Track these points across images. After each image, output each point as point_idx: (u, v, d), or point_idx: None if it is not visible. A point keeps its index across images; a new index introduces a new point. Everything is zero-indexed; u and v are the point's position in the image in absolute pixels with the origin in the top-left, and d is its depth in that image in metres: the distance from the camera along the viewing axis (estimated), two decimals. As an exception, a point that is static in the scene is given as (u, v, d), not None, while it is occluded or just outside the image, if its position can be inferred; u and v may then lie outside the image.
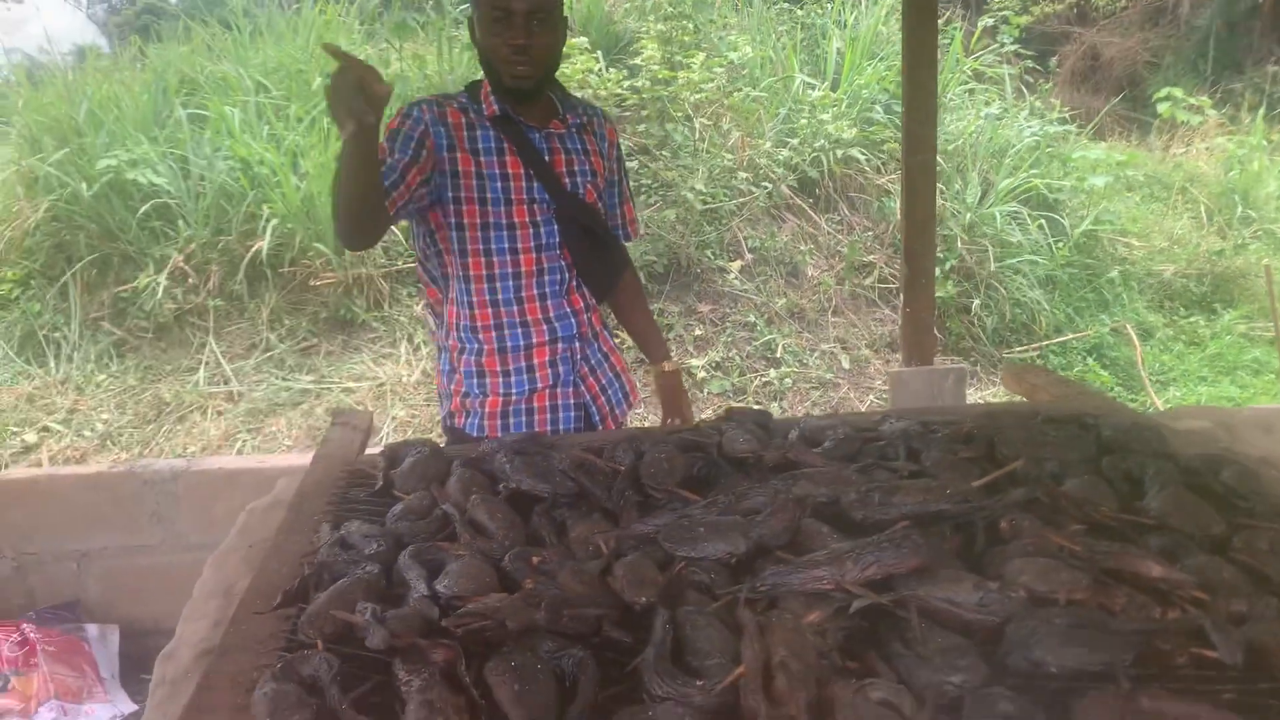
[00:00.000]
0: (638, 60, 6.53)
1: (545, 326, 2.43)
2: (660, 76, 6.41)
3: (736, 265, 6.47)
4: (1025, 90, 8.51)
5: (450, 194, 2.32)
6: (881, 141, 7.00)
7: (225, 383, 5.95)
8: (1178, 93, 9.51)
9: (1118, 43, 13.42)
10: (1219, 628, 1.16)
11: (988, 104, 7.61)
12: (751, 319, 6.32)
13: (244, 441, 5.63)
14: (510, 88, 2.30)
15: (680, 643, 1.24)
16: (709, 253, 6.44)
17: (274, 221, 6.13)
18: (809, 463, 1.75)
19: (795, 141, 6.80)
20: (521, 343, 2.42)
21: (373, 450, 2.01)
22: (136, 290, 6.13)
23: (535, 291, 2.41)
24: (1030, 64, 9.20)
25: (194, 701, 1.10)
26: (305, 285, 6.27)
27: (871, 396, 6.02)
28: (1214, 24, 13.22)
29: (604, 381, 2.55)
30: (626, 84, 6.40)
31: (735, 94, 6.67)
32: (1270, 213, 8.43)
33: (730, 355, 6.15)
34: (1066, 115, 8.23)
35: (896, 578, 1.34)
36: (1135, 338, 6.57)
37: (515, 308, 2.40)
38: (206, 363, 6.04)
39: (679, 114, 6.53)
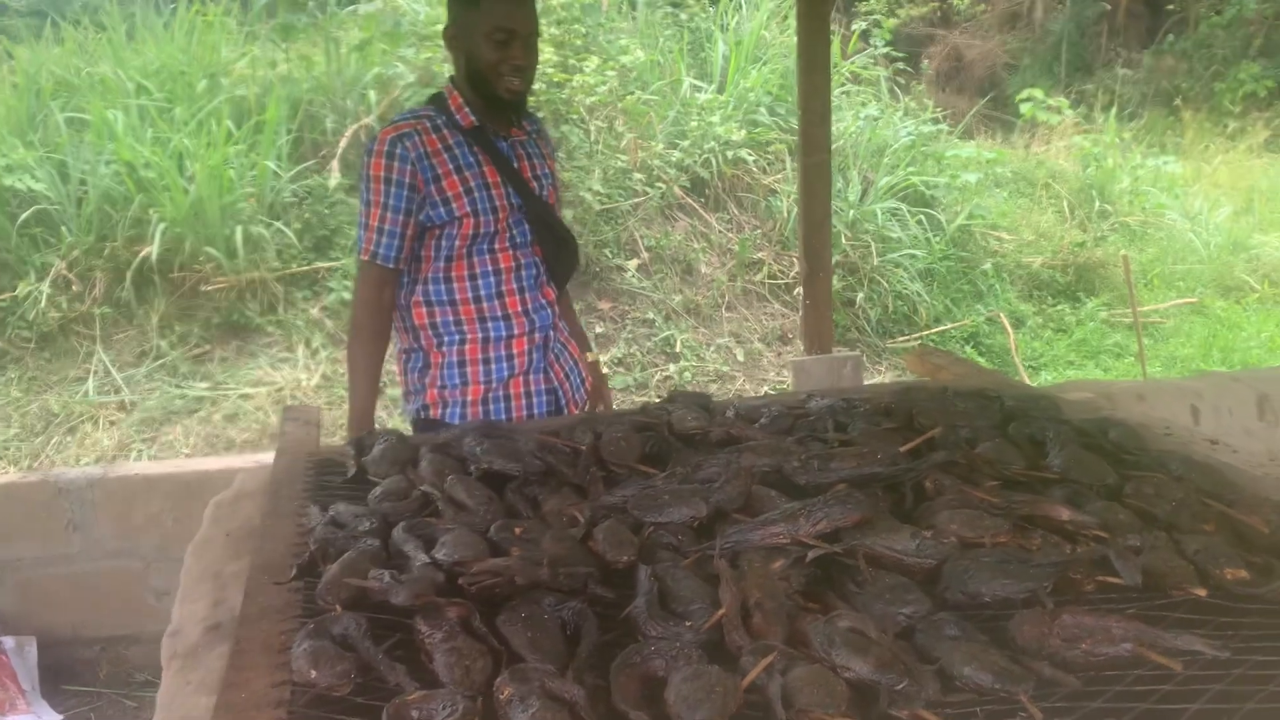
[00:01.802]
0: (533, 63, 6.64)
1: (525, 319, 2.60)
2: (555, 80, 6.54)
3: (634, 264, 6.65)
4: (899, 91, 8.93)
5: (445, 217, 2.49)
6: (767, 143, 7.28)
7: (116, 392, 5.82)
8: (1038, 93, 10.11)
9: (979, 45, 14.09)
10: (1121, 556, 1.37)
11: (865, 105, 7.98)
12: (650, 316, 6.51)
13: (139, 451, 5.53)
14: (507, 101, 2.48)
15: (663, 594, 1.39)
16: (607, 251, 6.60)
17: (162, 226, 6.03)
18: (751, 437, 1.92)
19: (686, 143, 7.02)
20: (504, 334, 2.58)
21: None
22: (17, 299, 5.94)
23: (514, 286, 2.58)
24: (902, 66, 9.65)
25: (234, 661, 1.20)
26: (196, 290, 6.18)
27: (765, 387, 6.28)
28: (1066, 28, 14.02)
29: (567, 368, 2.72)
30: (522, 87, 6.51)
31: (627, 97, 6.86)
32: (1124, 206, 9.05)
33: (631, 351, 6.32)
34: (938, 115, 8.67)
35: (843, 530, 1.51)
36: (1008, 326, 7.00)
37: (497, 302, 2.57)
38: (95, 372, 5.89)
39: (574, 116, 6.67)
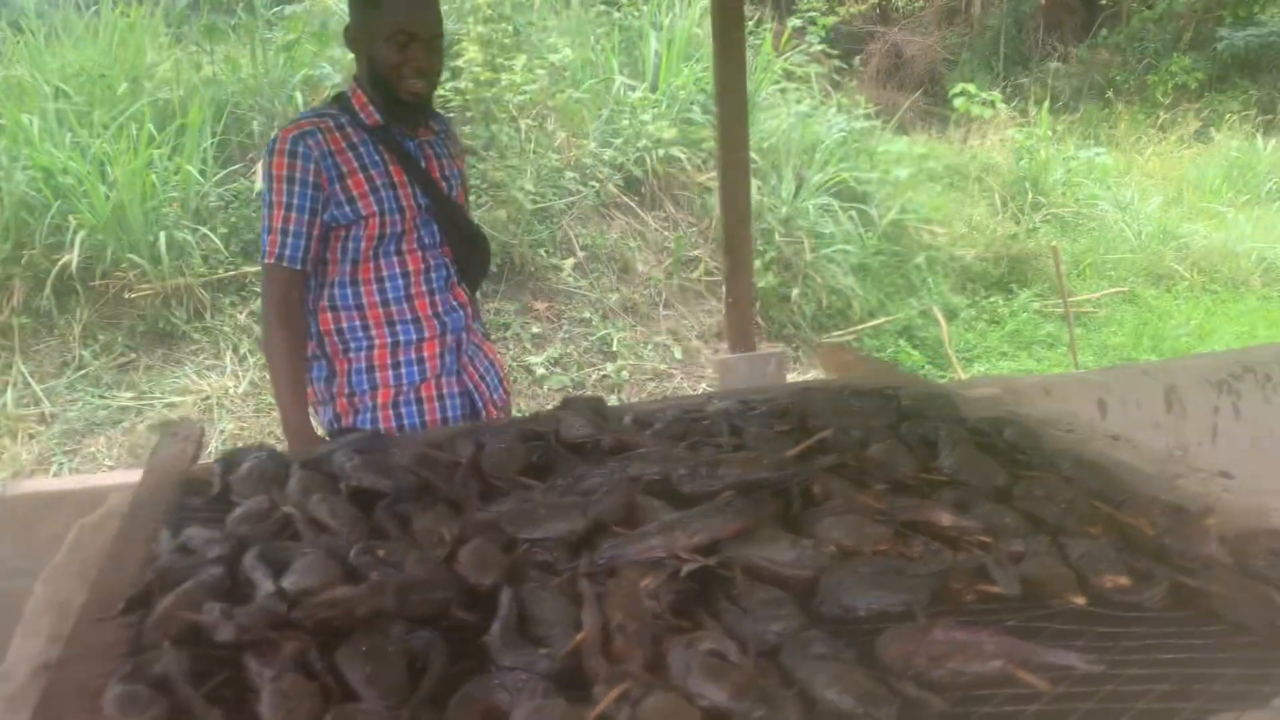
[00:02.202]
0: (460, 62, 6.54)
1: (436, 321, 2.53)
2: (483, 78, 6.44)
3: (569, 263, 6.57)
4: (833, 88, 8.92)
5: (351, 217, 2.41)
6: (700, 140, 7.23)
7: (36, 404, 5.64)
8: (971, 88, 10.17)
9: (918, 41, 14.20)
10: (999, 565, 1.32)
11: (799, 102, 7.96)
12: (587, 315, 6.43)
13: (61, 464, 5.36)
14: (408, 103, 2.42)
15: (525, 617, 1.31)
16: (542, 251, 6.51)
17: (83, 233, 5.85)
18: (642, 444, 1.85)
19: (619, 141, 6.95)
20: (414, 337, 2.51)
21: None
22: (-70, 310, 5.75)
23: (423, 288, 2.51)
24: (838, 63, 9.65)
25: (42, 708, 1.11)
26: (120, 298, 6.01)
27: (704, 384, 6.23)
28: (1004, 23, 14.16)
29: (482, 370, 2.66)
30: (450, 85, 6.40)
31: (558, 95, 6.77)
32: (1057, 198, 9.12)
33: (568, 351, 6.24)
34: (871, 111, 8.68)
35: (722, 542, 1.45)
36: (941, 319, 7.01)
37: (406, 305, 2.50)
38: (14, 384, 5.70)
39: (504, 115, 6.57)
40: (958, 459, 1.69)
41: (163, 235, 5.94)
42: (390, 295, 2.49)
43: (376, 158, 2.44)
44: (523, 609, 1.32)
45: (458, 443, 1.85)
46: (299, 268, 2.41)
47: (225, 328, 6.06)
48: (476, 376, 2.65)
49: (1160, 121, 11.92)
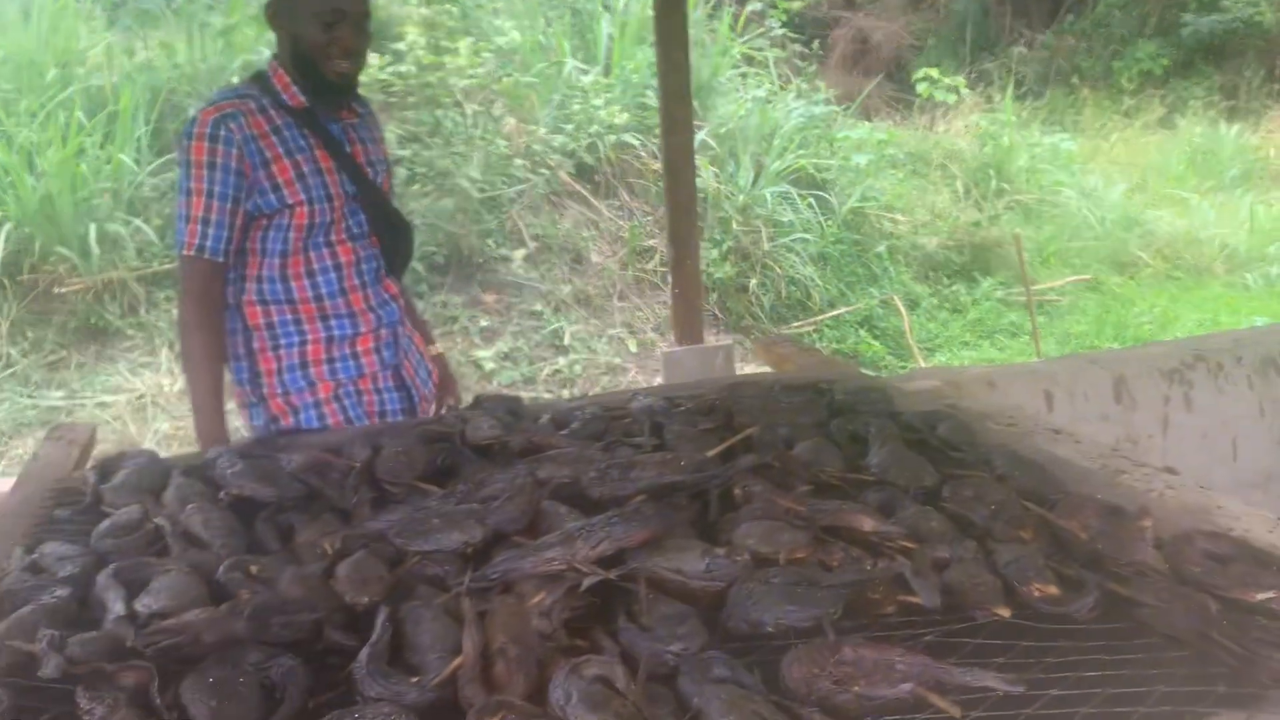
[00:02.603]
0: (401, 45, 6.36)
1: (371, 315, 2.41)
2: (426, 62, 6.27)
3: (520, 254, 6.43)
4: (794, 74, 8.82)
5: (276, 205, 2.27)
6: (654, 126, 7.09)
7: (-38, 404, 5.44)
8: (934, 73, 10.10)
9: (884, 26, 14.09)
10: (919, 574, 1.22)
11: (757, 87, 7.84)
12: (538, 307, 6.29)
13: (-12, 466, 5.17)
14: (334, 83, 2.29)
15: (401, 640, 1.19)
16: (490, 241, 6.37)
17: (8, 226, 5.64)
18: (554, 445, 1.73)
19: (571, 127, 6.80)
20: (349, 333, 2.39)
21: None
22: None
23: (356, 281, 2.39)
24: (800, 48, 9.55)
25: None
26: (49, 293, 5.81)
27: (659, 378, 6.11)
28: (970, 8, 14.10)
29: (414, 362, 2.55)
30: (390, 70, 6.22)
31: (506, 79, 6.61)
32: (1021, 184, 9.06)
33: (518, 345, 6.10)
34: (831, 97, 8.58)
35: (628, 551, 1.34)
36: (903, 308, 6.93)
37: (341, 300, 2.37)
38: (-62, 383, 5.50)
39: (448, 100, 6.41)
40: (885, 457, 1.59)
41: (93, 227, 5.75)
42: (324, 290, 2.36)
43: (301, 142, 2.30)
44: (400, 631, 1.20)
45: (355, 446, 1.72)
46: (221, 259, 2.26)
47: (160, 323, 5.87)
48: (411, 370, 2.54)
49: (1125, 108, 11.90)
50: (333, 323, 2.38)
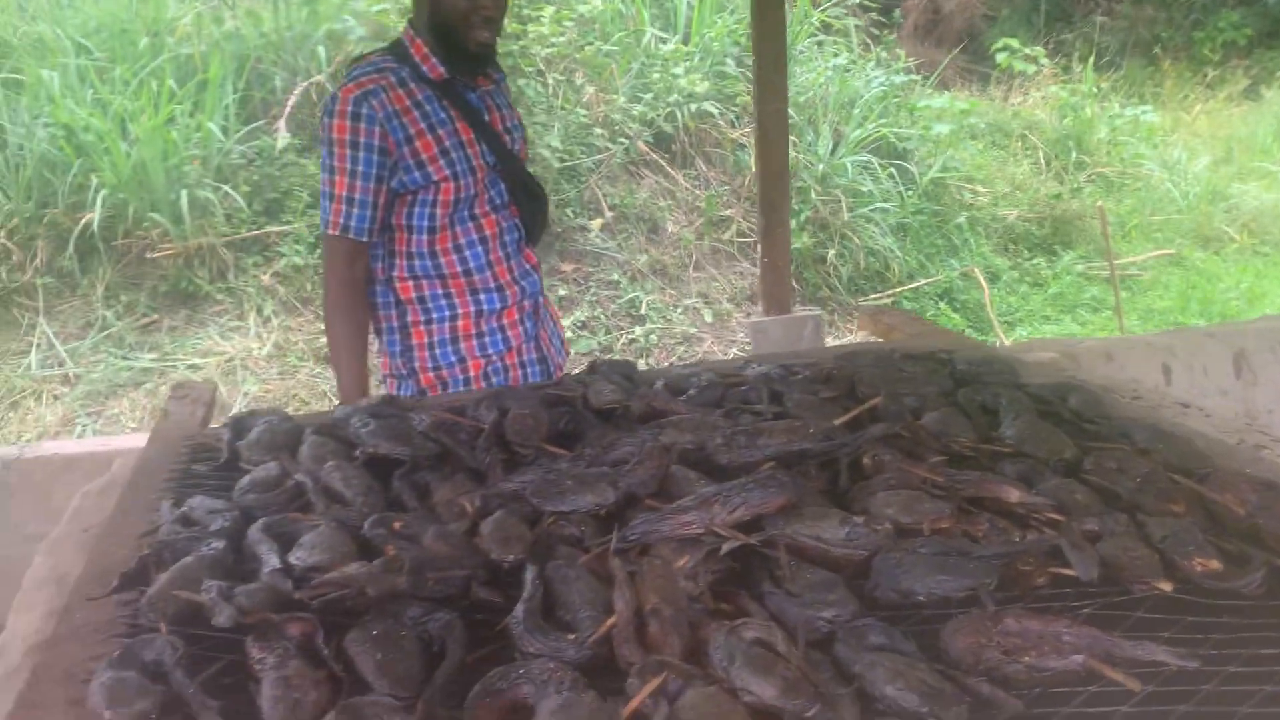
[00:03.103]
0: (485, 13, 6.37)
1: (516, 287, 2.43)
2: (510, 30, 6.26)
3: (597, 223, 6.43)
4: (871, 42, 8.67)
5: (421, 181, 2.26)
6: (734, 95, 7.03)
7: (60, 365, 5.59)
8: (1014, 43, 9.86)
9: (958, -3, 13.77)
10: (1075, 546, 1.19)
11: (835, 55, 7.72)
12: (615, 277, 6.29)
13: (84, 426, 5.31)
14: (475, 53, 2.28)
15: (551, 598, 1.20)
16: (569, 211, 6.37)
17: (104, 191, 5.76)
18: (674, 411, 1.73)
19: (649, 96, 6.76)
20: (497, 306, 2.40)
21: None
22: (-47, 270, 5.70)
23: (501, 254, 2.40)
24: (875, 16, 9.38)
25: (23, 697, 1.01)
26: (142, 258, 5.94)
27: (734, 349, 6.08)
28: (1046, -23, 13.71)
29: (549, 331, 2.57)
30: (475, 39, 6.23)
31: (587, 48, 6.58)
32: (1101, 157, 8.84)
33: (595, 314, 6.11)
34: (911, 66, 8.42)
35: (765, 518, 1.33)
36: (983, 281, 6.81)
37: (489, 273, 2.38)
38: (38, 345, 5.66)
39: (530, 69, 6.41)
40: (1021, 429, 1.56)
41: (184, 194, 5.86)
42: (471, 264, 2.36)
43: (442, 115, 2.28)
44: (548, 589, 1.21)
45: (479, 408, 1.73)
46: (364, 239, 2.27)
47: (249, 288, 5.98)
48: (548, 340, 2.56)
49: (1208, 79, 11.53)
50: (481, 297, 2.39)
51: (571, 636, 1.11)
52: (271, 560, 1.23)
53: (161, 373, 5.58)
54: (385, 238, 2.34)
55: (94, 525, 1.57)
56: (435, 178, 2.26)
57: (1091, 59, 10.28)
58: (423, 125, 2.25)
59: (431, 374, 2.39)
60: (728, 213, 6.79)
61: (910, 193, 7.13)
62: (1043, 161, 8.41)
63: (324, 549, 1.25)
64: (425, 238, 2.32)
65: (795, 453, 1.50)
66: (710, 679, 1.03)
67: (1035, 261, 7.51)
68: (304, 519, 1.37)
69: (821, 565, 1.27)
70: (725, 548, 1.28)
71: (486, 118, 2.36)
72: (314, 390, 5.51)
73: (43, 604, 1.36)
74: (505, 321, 2.41)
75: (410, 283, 2.36)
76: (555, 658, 1.08)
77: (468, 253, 2.35)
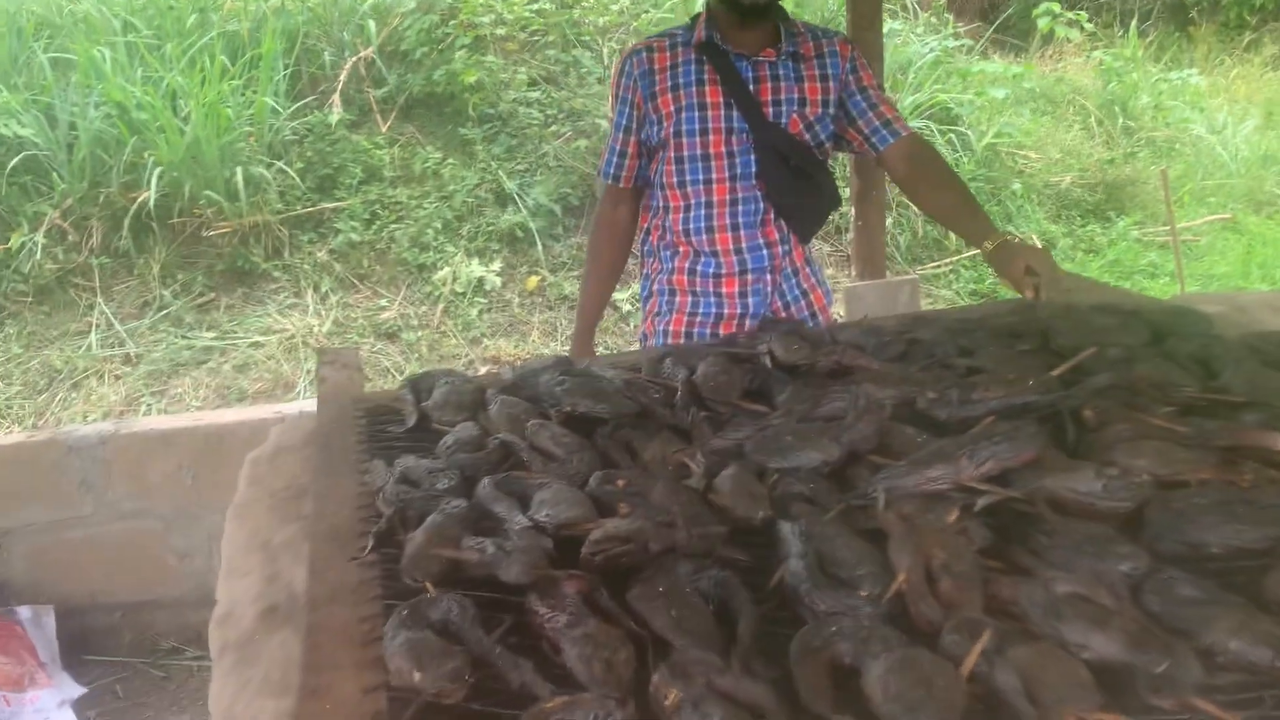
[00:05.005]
0: (541, -19, 6.29)
1: (734, 258, 2.38)
2: (565, 1, 6.18)
3: (659, 193, 6.34)
4: (921, 8, 8.54)
5: (659, 137, 2.37)
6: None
7: (120, 345, 5.56)
8: (1055, 7, 9.71)
9: (988, -38, 13.59)
10: (1382, 491, 1.13)
11: (891, 19, 7.60)
12: (675, 248, 6.21)
13: (148, 405, 5.28)
14: (748, 8, 2.28)
15: (818, 556, 1.14)
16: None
17: (159, 170, 5.71)
18: (867, 367, 1.66)
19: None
20: (711, 271, 2.40)
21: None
22: (10, 251, 5.65)
23: (728, 222, 2.37)
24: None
25: (309, 659, 0.96)
26: (197, 236, 5.89)
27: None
28: (1082, -58, 13.50)
29: (798, 319, 2.44)
30: (532, 7, 6.14)
31: (643, 16, 6.48)
32: (1147, 121, 8.71)
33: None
34: (960, 31, 8.29)
35: (1012, 472, 1.27)
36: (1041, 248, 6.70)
37: (705, 237, 2.38)
38: (97, 325, 5.62)
39: (585, 38, 6.31)
40: (1248, 377, 1.49)
41: (239, 171, 5.80)
42: (692, 225, 2.38)
43: (692, 77, 2.34)
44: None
45: (664, 366, 1.67)
46: (619, 184, 2.47)
47: (305, 266, 5.93)
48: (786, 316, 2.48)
49: (1245, 43, 11.35)
50: (697, 260, 2.40)
51: (864, 594, 1.05)
52: (517, 518, 1.18)
53: (222, 351, 5.54)
54: (659, 195, 2.44)
55: (280, 490, 1.52)
56: (665, 134, 2.33)
57: (1135, 22, 10.12)
58: (668, 84, 2.34)
59: (651, 319, 2.52)
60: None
61: (966, 159, 7.02)
62: (1094, 126, 8.28)
63: (568, 505, 1.19)
64: (662, 192, 2.40)
65: (1018, 406, 1.44)
66: (1031, 635, 0.97)
67: (1090, 228, 7.40)
68: (524, 477, 1.31)
69: (1084, 518, 1.21)
70: (981, 502, 1.22)
71: (753, 87, 2.32)
72: (377, 367, 5.47)
73: (257, 569, 1.31)
74: (723, 290, 2.40)
75: (656, 232, 2.48)
76: (851, 615, 1.02)
77: (691, 214, 2.37)
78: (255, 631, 1.17)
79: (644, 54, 2.38)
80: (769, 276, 2.40)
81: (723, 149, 2.31)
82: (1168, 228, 6.42)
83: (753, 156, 2.32)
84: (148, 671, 3.26)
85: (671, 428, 1.49)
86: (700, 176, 2.33)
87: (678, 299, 2.43)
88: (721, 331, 2.40)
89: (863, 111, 2.42)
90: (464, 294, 5.74)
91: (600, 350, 4.98)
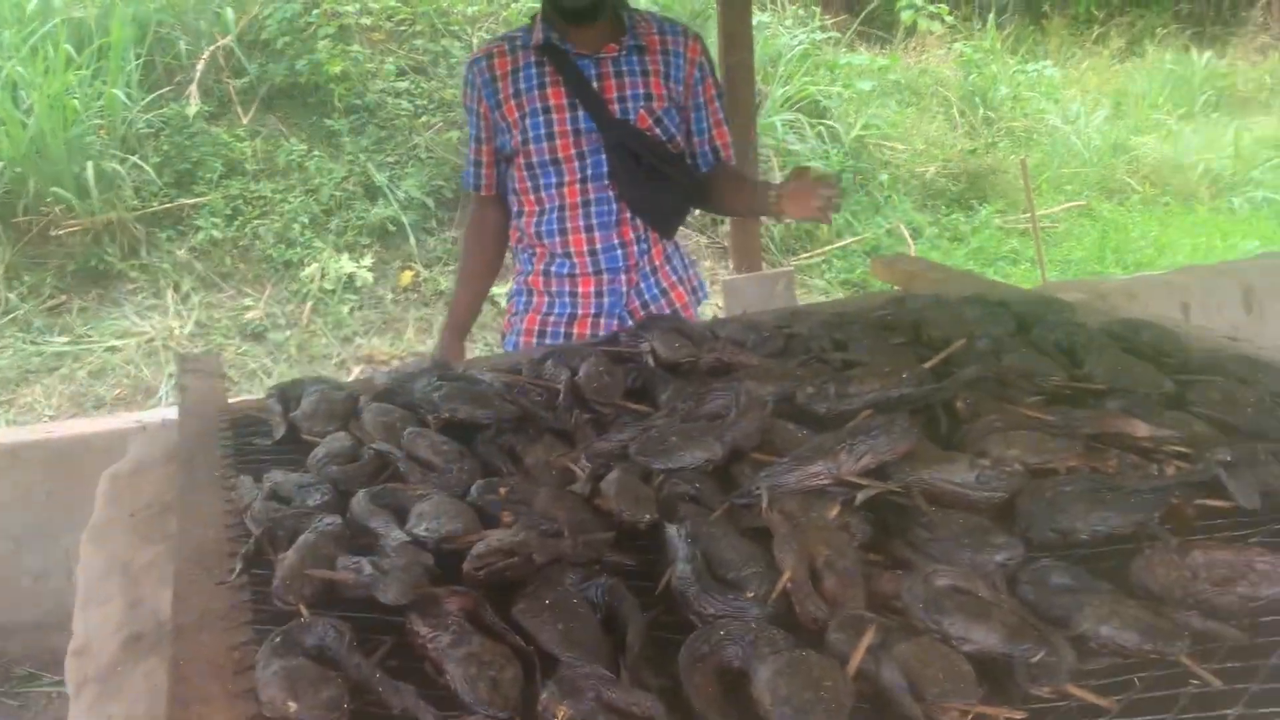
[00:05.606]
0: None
1: (589, 259, 2.35)
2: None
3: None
4: (785, 1, 8.67)
5: (509, 145, 2.33)
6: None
7: (-39, 352, 5.23)
8: (918, 0, 9.99)
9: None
10: (1235, 475, 1.18)
11: (760, 11, 7.69)
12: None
13: (-5, 415, 4.98)
14: (569, 10, 2.25)
15: (703, 558, 1.14)
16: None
17: (0, 165, 5.39)
18: (745, 364, 1.67)
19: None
20: (566, 272, 2.37)
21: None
22: None
23: (581, 224, 2.33)
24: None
25: (176, 691, 0.90)
26: (45, 236, 5.58)
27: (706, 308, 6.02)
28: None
29: (654, 308, 2.42)
30: (390, -2, 6.01)
31: (512, 6, 6.40)
32: (1006, 112, 9.05)
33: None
34: (828, 24, 8.45)
35: (889, 465, 1.29)
36: (909, 237, 6.90)
37: (559, 239, 2.34)
38: (-66, 331, 5.28)
39: (454, 28, 6.20)
40: (1109, 365, 1.55)
41: (89, 166, 5.51)
42: (544, 229, 2.35)
43: (533, 81, 2.29)
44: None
45: (544, 368, 1.65)
46: (476, 191, 2.47)
47: (164, 264, 5.68)
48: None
49: (1094, 36, 11.90)
50: (552, 263, 2.37)
51: (750, 595, 1.05)
52: (394, 533, 1.14)
53: (76, 356, 5.26)
54: (514, 200, 2.42)
55: (141, 509, 1.44)
56: (514, 140, 2.29)
57: (992, 15, 10.50)
58: (511, 90, 2.29)
59: (509, 318, 2.50)
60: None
61: (835, 151, 7.17)
62: (956, 117, 8.55)
63: (449, 518, 1.16)
64: (517, 197, 2.37)
65: (894, 399, 1.46)
66: (915, 629, 0.99)
67: (954, 216, 7.64)
68: (402, 489, 1.27)
69: (959, 509, 1.23)
70: (861, 496, 1.24)
71: (597, 84, 2.28)
72: (243, 370, 5.27)
73: (118, 594, 1.24)
74: (579, 290, 2.37)
75: (515, 235, 2.45)
76: (738, 618, 1.01)
77: (544, 218, 2.34)
78: (117, 663, 1.10)
79: (484, 62, 2.32)
80: (624, 276, 2.37)
81: (572, 151, 2.28)
82: (1028, 215, 6.67)
83: (603, 157, 2.29)
84: (2, 701, 3.06)
85: (554, 431, 1.47)
86: (552, 180, 2.30)
87: (534, 299, 2.40)
88: (575, 331, 2.38)
89: (701, 131, 2.45)
90: (334, 291, 5.58)
91: (481, 348, 4.91)
